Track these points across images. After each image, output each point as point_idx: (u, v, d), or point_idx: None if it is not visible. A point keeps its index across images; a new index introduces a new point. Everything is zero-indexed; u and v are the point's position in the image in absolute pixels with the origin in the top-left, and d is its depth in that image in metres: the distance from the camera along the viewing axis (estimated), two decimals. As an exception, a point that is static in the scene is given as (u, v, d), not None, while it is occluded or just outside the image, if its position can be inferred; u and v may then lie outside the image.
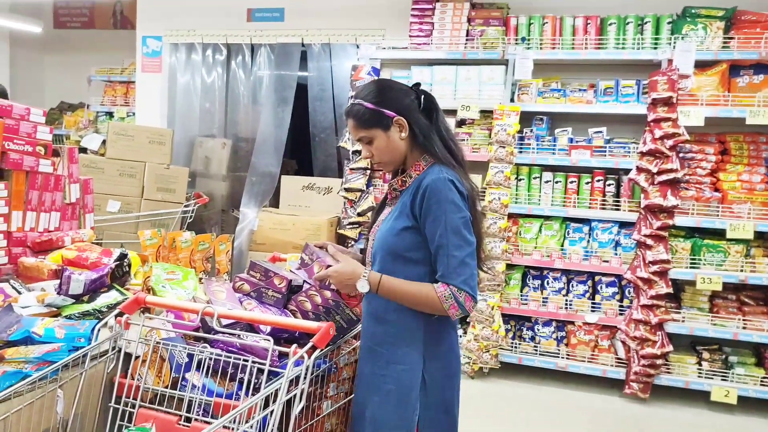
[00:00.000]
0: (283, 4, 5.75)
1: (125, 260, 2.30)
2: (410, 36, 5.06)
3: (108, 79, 7.20)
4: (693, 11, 4.50)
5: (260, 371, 1.83)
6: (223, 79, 6.17)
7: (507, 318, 4.86)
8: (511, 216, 4.80)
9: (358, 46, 5.44)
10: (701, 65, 4.45)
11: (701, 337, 4.49)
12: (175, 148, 5.68)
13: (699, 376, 4.43)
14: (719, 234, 4.39)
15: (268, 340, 1.82)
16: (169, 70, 6.27)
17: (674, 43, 4.43)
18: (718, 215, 4.35)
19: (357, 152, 5.02)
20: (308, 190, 5.48)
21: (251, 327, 2.06)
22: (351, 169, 5.06)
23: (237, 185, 6.02)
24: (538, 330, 4.81)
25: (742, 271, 4.34)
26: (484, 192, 4.76)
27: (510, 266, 4.83)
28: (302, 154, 6.37)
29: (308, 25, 5.66)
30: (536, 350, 4.78)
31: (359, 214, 5.03)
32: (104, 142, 5.51)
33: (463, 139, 4.94)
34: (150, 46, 6.22)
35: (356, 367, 2.25)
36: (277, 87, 5.81)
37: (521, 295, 4.81)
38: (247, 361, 1.82)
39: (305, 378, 1.74)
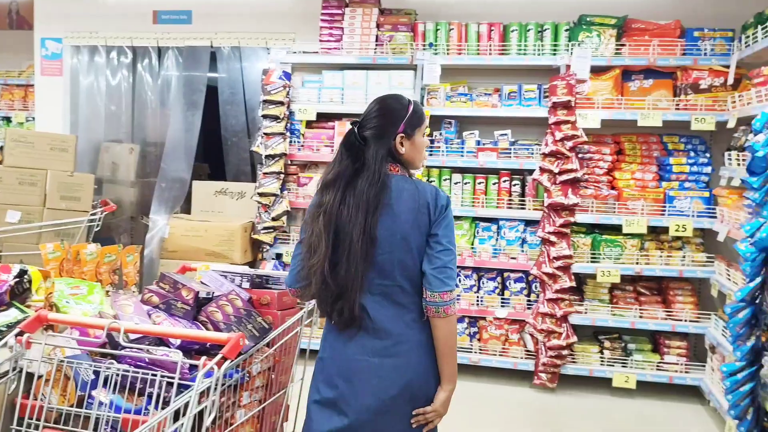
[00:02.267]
0: (190, 6, 5.65)
1: (25, 276, 2.22)
2: (321, 41, 5.09)
3: (4, 82, 6.85)
4: (588, 19, 4.76)
5: (170, 384, 1.83)
6: (129, 82, 5.99)
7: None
8: (423, 217, 4.91)
9: (268, 50, 5.42)
10: (597, 70, 4.71)
11: (602, 327, 4.77)
12: (80, 154, 5.46)
13: (601, 364, 4.70)
14: (616, 229, 4.67)
15: (177, 353, 1.82)
16: (71, 72, 6.03)
17: (571, 49, 4.66)
18: (614, 212, 4.63)
19: (270, 156, 5.01)
20: (221, 195, 5.41)
21: (161, 340, 2.05)
22: (264, 173, 5.04)
23: (146, 191, 5.86)
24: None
25: (637, 263, 4.63)
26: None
27: (424, 266, 4.93)
28: (214, 158, 6.27)
29: (217, 28, 5.59)
30: (482, 350, 4.91)
31: (274, 219, 5.01)
32: (1, 149, 5.25)
33: (375, 143, 5.00)
34: (49, 48, 5.95)
35: (269, 374, 2.28)
36: (186, 90, 5.70)
37: (435, 294, 4.93)
38: (155, 375, 1.81)
39: (216, 389, 1.75)
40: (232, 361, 1.82)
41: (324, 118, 5.16)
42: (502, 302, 4.85)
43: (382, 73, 5.00)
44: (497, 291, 4.89)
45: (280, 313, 2.43)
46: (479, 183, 4.94)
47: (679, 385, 4.59)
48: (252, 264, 5.20)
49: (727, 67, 4.47)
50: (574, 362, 4.70)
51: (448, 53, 4.94)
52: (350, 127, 2.16)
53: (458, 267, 4.96)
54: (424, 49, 4.95)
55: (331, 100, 5.07)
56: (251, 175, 5.72)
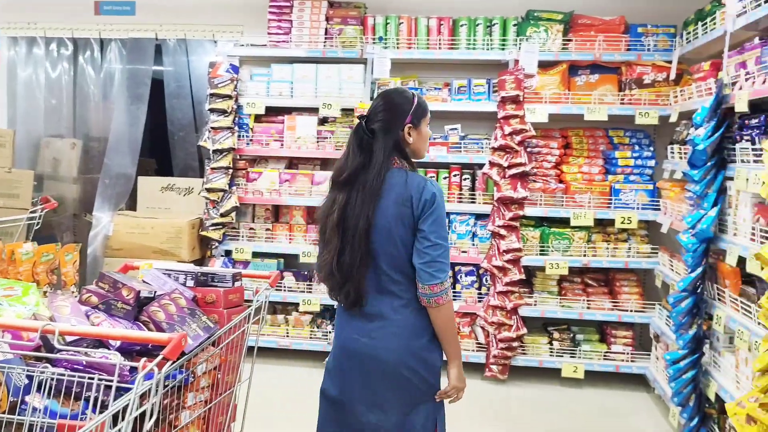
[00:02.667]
0: (134, -3, 5.49)
1: (-47, 278, 2.11)
2: (269, 33, 5.01)
3: (-65, 74, 6.51)
4: (535, 14, 4.82)
5: (109, 388, 1.76)
6: (70, 75, 5.78)
7: (374, 311, 4.96)
8: (375, 211, 4.89)
9: (215, 42, 5.31)
10: (544, 65, 4.77)
11: (552, 319, 4.85)
12: (18, 149, 5.27)
13: (551, 355, 4.77)
14: (564, 222, 4.75)
15: (116, 355, 1.76)
16: (8, 65, 5.79)
17: (519, 44, 4.71)
18: (562, 205, 4.70)
19: (218, 151, 4.91)
20: (168, 191, 5.29)
21: (100, 342, 1.98)
22: (212, 168, 4.94)
23: (89, 188, 5.67)
24: (404, 321, 4.95)
25: (585, 255, 4.72)
26: (348, 189, 4.82)
27: (375, 261, 4.93)
28: (161, 153, 6.12)
29: (162, 20, 5.44)
30: (403, 341, 4.92)
31: (222, 215, 4.92)
32: (-68, 144, 5.00)
33: (326, 138, 4.97)
34: (-16, 39, 5.71)
35: (215, 374, 2.22)
36: (130, 83, 5.54)
37: (387, 289, 4.93)
38: (92, 378, 1.74)
39: (156, 391, 1.69)
40: (174, 362, 1.77)
41: (273, 112, 5.09)
42: (454, 295, 4.87)
43: (332, 66, 4.96)
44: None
45: (226, 311, 2.37)
46: (430, 177, 4.94)
47: (625, 374, 4.70)
48: (200, 261, 5.10)
49: (670, 62, 4.59)
50: (524, 354, 4.76)
51: (398, 47, 4.92)
52: (358, 121, 2.30)
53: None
54: (374, 42, 4.92)
55: (280, 93, 5.00)
56: (199, 171, 5.61)
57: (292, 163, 5.24)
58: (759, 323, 2.89)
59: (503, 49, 4.81)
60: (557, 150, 4.81)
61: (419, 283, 2.16)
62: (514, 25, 4.84)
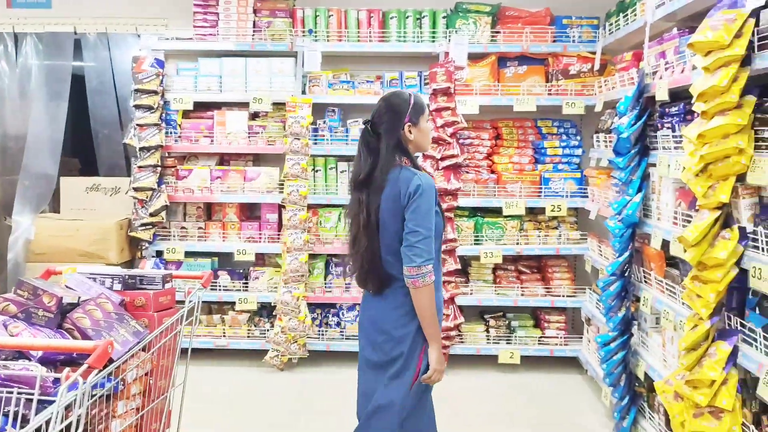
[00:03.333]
0: (49, -12, 5.23)
1: None
2: (195, 26, 4.88)
3: None
4: (464, 6, 4.86)
5: (31, 401, 1.67)
6: (-19, 71, 5.46)
7: (313, 307, 4.93)
8: (310, 207, 4.86)
9: (139, 36, 5.12)
10: (474, 57, 4.82)
11: (488, 306, 4.93)
12: (-74, 151, 4.95)
13: (488, 342, 4.85)
14: (497, 212, 4.83)
15: (37, 367, 1.67)
16: None
17: (449, 36, 4.74)
18: (495, 195, 4.78)
19: (145, 149, 4.75)
20: (93, 191, 5.08)
21: (21, 353, 1.88)
22: (139, 166, 4.78)
23: (8, 190, 5.38)
24: (344, 315, 4.95)
25: (518, 244, 4.81)
26: (282, 185, 4.77)
27: (313, 256, 4.90)
28: (85, 152, 5.87)
29: (81, 13, 5.21)
30: (342, 335, 4.91)
31: (152, 215, 4.77)
32: None
33: (258, 132, 4.89)
34: None
35: (147, 380, 2.15)
36: (48, 80, 5.27)
37: (325, 284, 4.90)
38: (11, 392, 1.65)
39: (82, 402, 1.62)
40: (100, 370, 1.69)
41: (202, 107, 4.96)
42: (392, 288, 4.88)
43: (262, 60, 4.87)
44: (386, 277, 4.92)
45: (157, 314, 2.29)
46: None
47: (559, 357, 4.83)
48: (130, 263, 4.94)
49: (594, 53, 4.72)
50: (462, 342, 4.82)
51: (328, 40, 4.88)
52: (363, 126, 2.53)
53: (342, 256, 4.95)
54: (303, 35, 4.86)
55: (208, 88, 4.88)
56: (126, 169, 5.41)
57: (224, 159, 5.12)
58: (683, 304, 3.01)
59: (433, 41, 4.84)
60: (488, 141, 4.88)
61: (403, 267, 2.39)
62: (444, 17, 4.87)
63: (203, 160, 5.05)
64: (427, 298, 2.38)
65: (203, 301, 4.96)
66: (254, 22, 4.86)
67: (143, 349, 2.18)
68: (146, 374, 2.20)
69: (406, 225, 2.36)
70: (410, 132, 2.48)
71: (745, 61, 2.47)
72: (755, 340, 2.44)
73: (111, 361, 1.86)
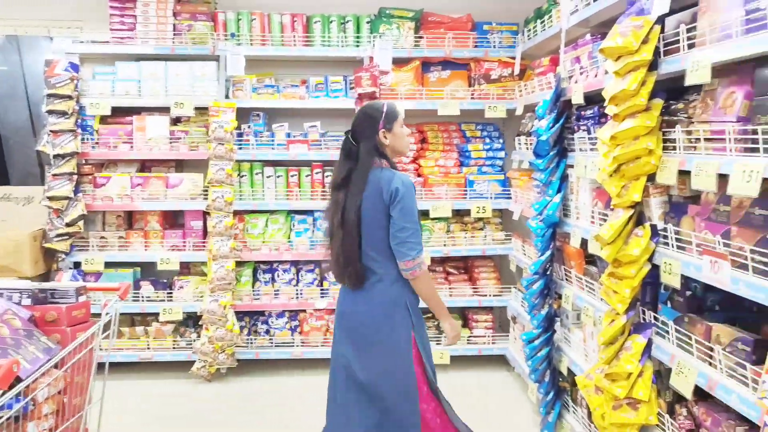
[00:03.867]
0: (-49, -13, 4.94)
1: None
2: (112, 29, 4.71)
3: None
4: (387, 12, 4.89)
5: (-71, 427, 1.57)
6: None
7: (241, 315, 4.84)
8: (236, 213, 4.77)
9: (52, 39, 4.91)
10: (398, 62, 4.86)
11: (417, 309, 4.96)
12: None
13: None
14: (424, 214, 4.87)
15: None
16: None
17: (373, 41, 4.77)
18: (422, 198, 4.82)
19: (59, 156, 4.55)
20: (4, 201, 4.82)
21: None
22: (54, 174, 4.57)
23: None
24: (273, 322, 4.88)
25: (445, 245, 4.88)
26: (206, 191, 4.67)
27: (240, 263, 4.81)
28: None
29: (-12, 14, 4.95)
30: (272, 343, 4.85)
31: (68, 225, 4.57)
32: None
33: (180, 138, 4.77)
34: None
35: (60, 398, 2.05)
36: (-47, 84, 5.00)
37: (253, 291, 4.83)
38: None
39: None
40: (5, 390, 1.60)
41: (121, 112, 4.80)
42: (322, 293, 4.86)
43: (183, 64, 4.75)
44: (316, 282, 4.89)
45: (70, 329, 2.19)
46: (292, 176, 4.89)
47: (487, 356, 4.92)
48: (46, 276, 4.71)
49: (514, 58, 4.84)
50: (393, 345, 4.83)
51: (251, 44, 4.81)
52: (345, 135, 2.79)
53: (276, 262, 4.90)
54: (226, 39, 4.78)
55: (127, 93, 4.72)
56: (40, 178, 5.17)
57: (145, 165, 4.97)
58: (601, 299, 3.12)
59: (358, 46, 4.85)
60: (414, 145, 4.93)
61: (398, 261, 2.63)
62: (368, 22, 4.89)
63: (123, 167, 4.88)
64: (427, 284, 2.70)
65: (126, 313, 4.81)
66: (174, 25, 4.74)
67: (56, 366, 2.08)
68: (59, 392, 2.10)
69: (395, 223, 2.61)
70: (385, 137, 2.73)
71: (653, 65, 2.58)
72: (667, 332, 2.56)
73: (19, 380, 1.76)
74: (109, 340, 2.41)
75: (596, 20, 3.51)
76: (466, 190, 4.87)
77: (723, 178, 2.13)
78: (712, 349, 2.27)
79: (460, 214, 5.02)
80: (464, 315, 5.11)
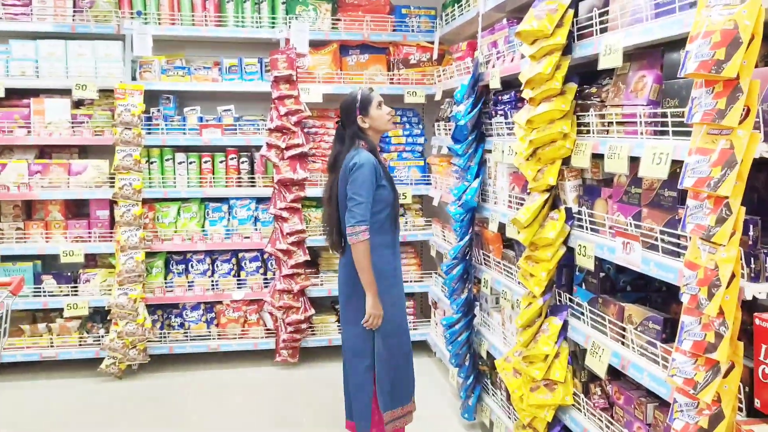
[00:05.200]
0: None
1: None
2: (4, 4, 4.36)
3: None
4: (304, -8, 4.76)
5: None
6: None
7: (153, 308, 4.63)
8: (146, 201, 4.54)
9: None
10: (316, 45, 4.74)
11: (336, 295, 4.88)
12: None
13: (339, 332, 4.82)
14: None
15: None
16: None
17: (290, 23, 4.63)
18: (341, 184, 4.73)
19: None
20: None
21: None
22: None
23: None
24: (187, 315, 4.69)
25: (365, 232, 4.82)
26: (113, 178, 4.42)
27: (150, 254, 4.59)
28: None
29: None
30: (187, 336, 4.66)
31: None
32: None
33: (83, 122, 4.48)
34: None
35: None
36: None
37: (166, 283, 4.62)
38: None
39: None
40: None
41: (16, 94, 4.46)
42: (239, 284, 4.71)
43: (85, 43, 4.46)
44: (233, 273, 4.73)
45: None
46: (205, 162, 4.70)
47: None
48: (-66, 271, 4.34)
49: (432, 43, 4.82)
50: (314, 335, 4.76)
51: (160, 23, 4.57)
52: (337, 122, 3.22)
53: (190, 252, 4.70)
54: (132, 18, 4.52)
55: (22, 73, 4.40)
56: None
57: (44, 152, 4.65)
58: (519, 283, 3.15)
59: (273, 27, 4.69)
60: (333, 130, 4.82)
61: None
62: (283, 3, 4.74)
63: (19, 153, 4.54)
64: (362, 252, 2.88)
65: (26, 309, 4.51)
66: (74, 1, 4.43)
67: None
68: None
69: (346, 194, 2.91)
70: (363, 121, 3.07)
71: (567, 49, 2.60)
72: (582, 314, 2.60)
73: None
74: (1, 339, 2.22)
75: (513, 5, 3.52)
76: (386, 176, 4.82)
77: (635, 161, 2.16)
78: (624, 329, 2.32)
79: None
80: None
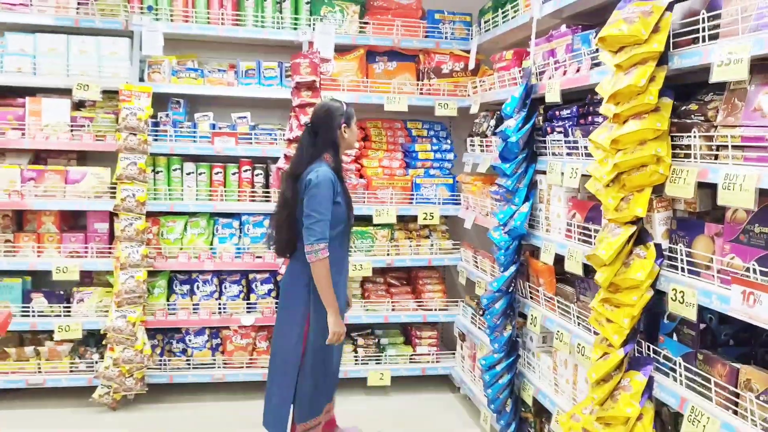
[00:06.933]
0: None
1: None
2: (0, -7, 3.97)
3: None
4: (329, -8, 4.39)
5: None
6: None
7: (153, 332, 4.21)
8: (150, 215, 4.14)
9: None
10: (341, 49, 4.37)
11: (355, 324, 4.47)
12: None
13: (356, 364, 4.41)
14: (367, 220, 4.40)
15: None
16: None
17: (314, 24, 4.25)
18: (365, 201, 4.35)
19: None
20: None
21: None
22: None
23: None
24: (190, 341, 4.27)
25: (388, 254, 4.43)
26: (114, 188, 4.01)
27: (152, 273, 4.17)
28: None
29: None
30: (189, 364, 4.23)
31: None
32: None
33: (83, 125, 4.08)
34: None
35: None
36: None
37: (168, 305, 4.19)
38: None
39: None
40: None
41: (11, 93, 4.07)
42: (248, 308, 4.29)
43: (89, 39, 4.08)
44: (242, 296, 4.32)
45: None
46: (217, 173, 4.30)
47: (430, 376, 4.50)
48: None
49: (467, 51, 4.44)
50: (328, 365, 4.33)
51: (172, 20, 4.19)
52: (305, 125, 3.09)
53: (196, 271, 4.29)
54: (142, 13, 4.13)
55: (18, 69, 4.00)
56: None
57: (39, 156, 4.23)
58: (579, 324, 2.76)
59: (296, 29, 4.31)
60: (357, 143, 4.44)
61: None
62: (307, 3, 4.36)
63: (11, 157, 4.13)
64: (322, 271, 2.85)
65: (13, 331, 4.07)
66: (79, -8, 4.05)
67: None
68: None
69: (304, 209, 2.87)
70: (345, 132, 3.04)
71: (662, 59, 2.22)
72: (673, 370, 2.20)
73: None
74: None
75: (571, 11, 3.16)
76: (412, 195, 4.43)
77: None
78: (737, 395, 1.92)
79: (404, 221, 4.58)
80: (406, 330, 4.67)
